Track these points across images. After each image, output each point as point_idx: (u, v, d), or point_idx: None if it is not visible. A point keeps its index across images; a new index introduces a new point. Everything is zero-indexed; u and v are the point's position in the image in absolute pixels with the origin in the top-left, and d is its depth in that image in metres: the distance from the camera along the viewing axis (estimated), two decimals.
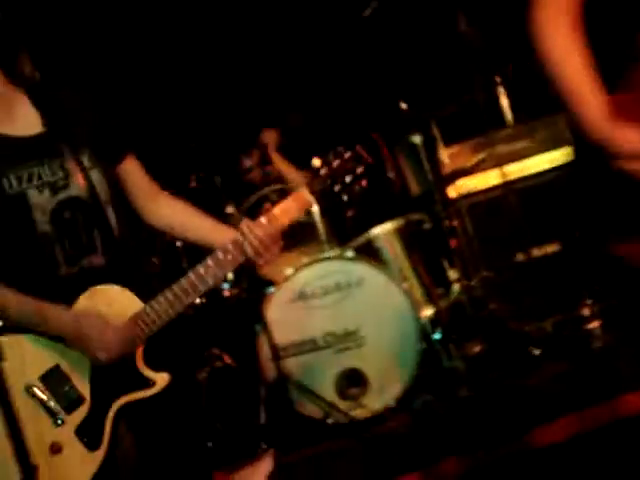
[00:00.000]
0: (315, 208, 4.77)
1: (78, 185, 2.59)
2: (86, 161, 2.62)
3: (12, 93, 2.62)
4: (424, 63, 5.62)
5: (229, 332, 5.17)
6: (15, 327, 2.50)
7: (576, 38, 2.18)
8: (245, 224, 2.70)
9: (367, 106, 5.54)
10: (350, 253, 4.62)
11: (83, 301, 2.55)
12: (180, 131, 5.90)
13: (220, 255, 2.66)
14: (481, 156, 5.09)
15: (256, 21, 6.21)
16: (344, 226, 5.26)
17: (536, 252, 4.97)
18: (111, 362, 2.51)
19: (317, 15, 6.00)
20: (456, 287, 4.96)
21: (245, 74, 6.13)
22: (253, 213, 4.92)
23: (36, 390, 2.46)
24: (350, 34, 5.53)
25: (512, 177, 5.06)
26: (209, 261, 2.66)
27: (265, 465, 4.04)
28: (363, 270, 4.53)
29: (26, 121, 2.61)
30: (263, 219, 2.69)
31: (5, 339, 2.45)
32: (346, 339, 4.50)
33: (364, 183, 2.70)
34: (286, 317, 4.52)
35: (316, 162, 2.69)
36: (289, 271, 4.54)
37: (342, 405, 4.41)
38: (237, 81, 6.12)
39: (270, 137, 5.47)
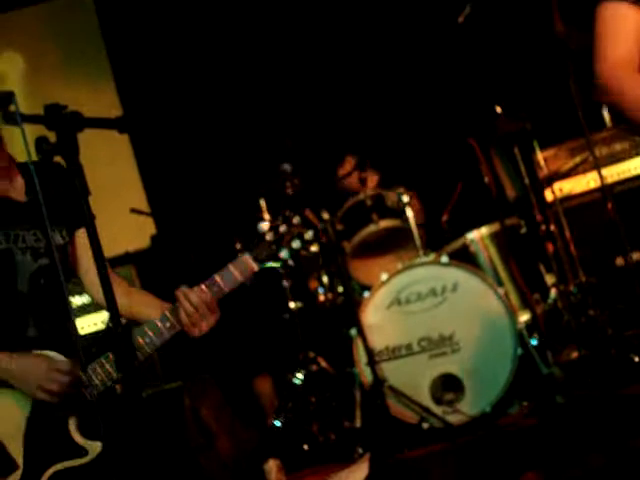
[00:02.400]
0: (410, 213, 4.79)
1: (56, 256, 2.66)
2: (59, 237, 2.73)
3: (8, 161, 2.75)
4: (519, 66, 5.57)
5: (324, 336, 5.23)
6: None
7: None
8: (180, 291, 2.64)
9: (463, 111, 5.52)
10: (445, 258, 4.62)
11: None
12: (275, 139, 6.01)
13: (159, 324, 2.63)
14: (579, 159, 5.03)
15: (351, 28, 6.27)
16: (439, 230, 5.25)
17: (636, 256, 4.87)
18: (55, 401, 2.52)
19: (413, 22, 6.02)
20: (553, 292, 4.91)
21: (340, 82, 6.20)
22: (349, 219, 4.96)
23: None
24: (445, 40, 5.53)
25: (611, 180, 4.97)
26: (148, 331, 2.64)
27: (361, 468, 4.06)
28: (458, 275, 4.53)
29: (20, 188, 2.74)
30: (203, 285, 2.64)
31: None
32: (441, 344, 4.50)
33: (314, 248, 2.66)
34: (381, 322, 4.55)
35: (263, 226, 2.70)
36: (384, 276, 4.57)
37: (437, 410, 4.42)
38: (330, 91, 6.20)
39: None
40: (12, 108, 2.34)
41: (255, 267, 2.67)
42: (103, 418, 2.57)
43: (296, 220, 2.70)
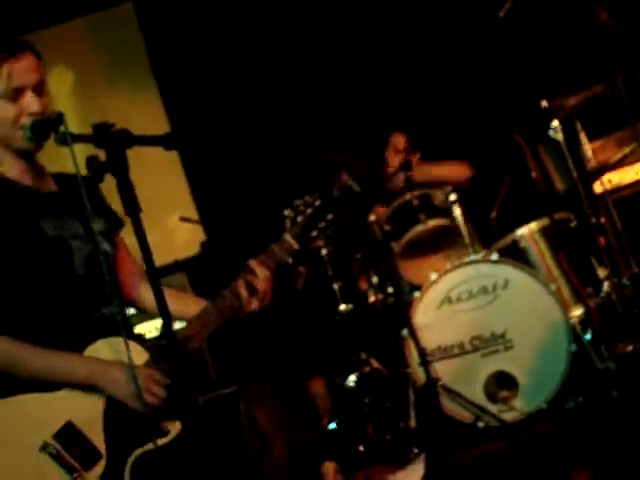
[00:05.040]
0: (458, 211, 4.77)
1: (102, 240, 2.74)
2: (101, 225, 2.77)
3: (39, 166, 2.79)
4: (563, 58, 5.52)
5: (376, 337, 5.24)
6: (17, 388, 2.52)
7: None
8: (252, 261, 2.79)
9: (507, 107, 5.49)
10: (495, 255, 4.60)
11: (101, 349, 2.60)
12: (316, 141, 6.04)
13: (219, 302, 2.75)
14: (627, 149, 4.96)
15: (392, 22, 6.27)
16: (488, 228, 5.23)
17: None
18: (149, 411, 2.52)
19: (453, 17, 6.00)
20: (606, 285, 4.85)
21: (383, 79, 6.21)
22: (397, 219, 4.96)
23: (52, 449, 2.45)
24: (487, 35, 5.51)
25: None
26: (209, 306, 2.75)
27: (417, 469, 4.06)
28: (509, 272, 4.51)
29: (47, 182, 2.78)
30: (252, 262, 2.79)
31: (15, 399, 2.49)
32: (494, 342, 4.47)
33: (338, 225, 2.85)
34: (433, 321, 4.54)
35: (287, 212, 2.81)
36: (434, 276, 4.56)
37: (492, 408, 4.40)
38: (373, 90, 6.21)
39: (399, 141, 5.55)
40: (62, 129, 2.40)
41: (295, 245, 2.80)
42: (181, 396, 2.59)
43: (318, 203, 2.81)
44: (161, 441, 2.54)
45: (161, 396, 2.54)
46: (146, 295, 2.94)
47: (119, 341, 2.61)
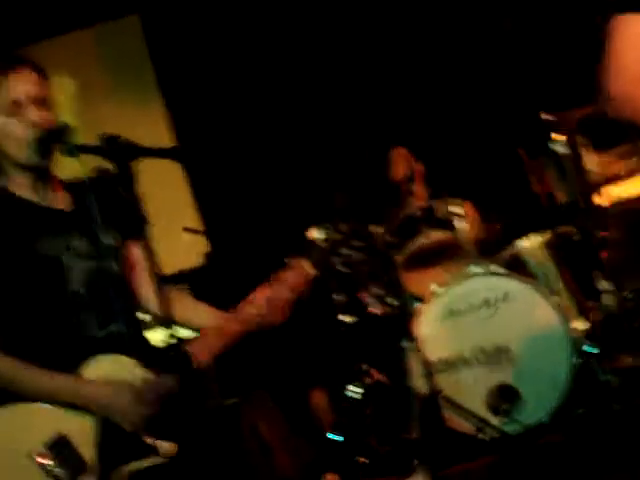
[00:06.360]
0: (459, 224, 4.78)
1: (110, 257, 2.68)
2: (110, 239, 2.71)
3: (49, 171, 2.73)
4: (565, 71, 5.54)
5: (378, 348, 5.24)
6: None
7: None
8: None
9: (510, 121, 5.51)
10: (497, 268, 4.60)
11: (92, 370, 2.57)
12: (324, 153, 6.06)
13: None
14: (630, 163, 4.98)
15: (391, 35, 6.30)
16: (490, 240, 5.23)
17: None
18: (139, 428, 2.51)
19: (455, 30, 6.03)
20: (608, 299, 4.86)
21: (389, 94, 6.23)
22: (399, 230, 4.97)
23: (41, 457, 2.44)
24: (488, 48, 5.53)
25: None
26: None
27: None
28: (511, 285, 4.51)
29: (60, 197, 2.73)
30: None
31: (9, 406, 2.49)
32: (496, 355, 4.48)
33: (361, 256, 2.72)
34: (435, 333, 4.55)
35: (314, 233, 2.72)
36: (436, 288, 4.57)
37: (494, 421, 4.40)
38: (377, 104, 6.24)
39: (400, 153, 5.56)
40: (68, 141, 2.42)
41: (311, 272, 2.73)
42: (175, 418, 2.59)
43: (345, 228, 2.74)
44: (153, 461, 2.51)
45: (146, 413, 2.50)
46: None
47: (117, 359, 2.60)
